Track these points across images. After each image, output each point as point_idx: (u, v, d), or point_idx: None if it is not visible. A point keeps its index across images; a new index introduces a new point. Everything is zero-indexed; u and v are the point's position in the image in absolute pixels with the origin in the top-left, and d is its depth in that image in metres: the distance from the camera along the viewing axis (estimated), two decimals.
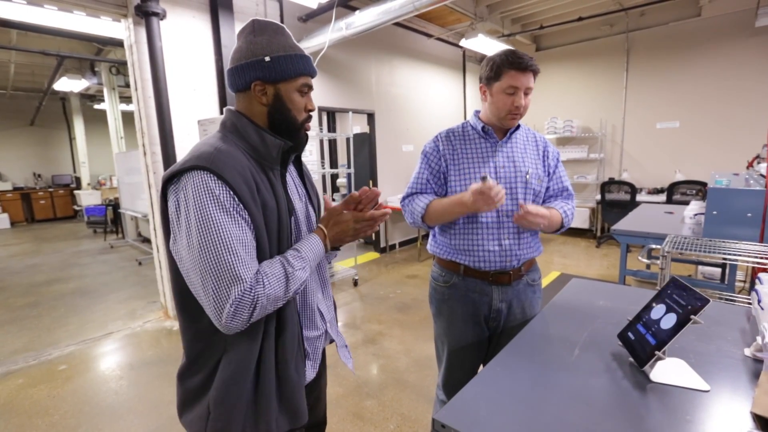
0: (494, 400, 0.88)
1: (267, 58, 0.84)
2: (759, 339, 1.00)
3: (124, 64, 6.48)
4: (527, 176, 1.34)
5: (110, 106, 7.39)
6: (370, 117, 5.28)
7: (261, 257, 0.82)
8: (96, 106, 9.66)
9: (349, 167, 4.21)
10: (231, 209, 0.77)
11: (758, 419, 0.76)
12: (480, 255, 1.33)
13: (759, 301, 1.12)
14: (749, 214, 2.15)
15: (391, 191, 5.58)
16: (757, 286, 1.19)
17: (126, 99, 7.95)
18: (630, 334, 1.04)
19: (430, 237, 1.51)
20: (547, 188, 1.43)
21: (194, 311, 0.83)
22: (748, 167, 3.02)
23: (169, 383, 2.50)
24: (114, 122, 7.45)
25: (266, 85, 0.86)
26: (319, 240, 0.91)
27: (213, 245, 0.74)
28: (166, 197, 0.81)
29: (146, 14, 2.94)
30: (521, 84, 1.24)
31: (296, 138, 0.91)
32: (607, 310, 1.33)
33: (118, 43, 4.16)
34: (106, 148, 9.43)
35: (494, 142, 1.36)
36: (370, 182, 5.43)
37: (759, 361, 0.98)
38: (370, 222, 0.96)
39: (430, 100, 6.20)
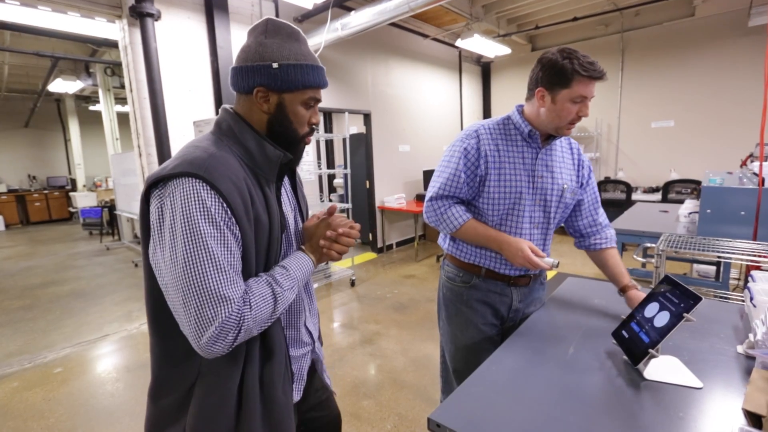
0: (489, 399, 0.88)
1: (275, 65, 0.77)
2: (751, 336, 1.01)
3: (119, 65, 6.43)
4: (563, 190, 1.29)
5: (105, 108, 7.35)
6: (367, 117, 5.28)
7: (247, 275, 0.76)
8: (91, 108, 9.60)
9: (345, 168, 4.21)
10: (222, 223, 0.70)
11: (750, 415, 0.77)
12: (506, 261, 1.28)
13: (751, 299, 1.13)
14: (743, 213, 2.17)
15: (387, 191, 5.58)
16: (750, 284, 1.20)
17: (121, 100, 7.90)
18: (624, 332, 1.05)
19: (446, 236, 1.42)
20: (581, 200, 1.37)
21: (166, 328, 0.76)
22: (741, 166, 3.05)
23: None
24: (109, 123, 7.40)
25: (270, 92, 0.79)
26: (308, 259, 0.86)
27: (200, 262, 0.68)
28: (148, 201, 0.74)
29: (141, 15, 2.93)
30: (590, 93, 1.13)
31: (294, 151, 0.86)
32: (601, 308, 1.34)
33: (113, 44, 4.15)
34: (101, 150, 9.37)
35: (537, 148, 1.26)
36: (367, 182, 5.43)
37: (751, 358, 0.99)
38: (329, 242, 0.88)
39: (427, 100, 6.21)
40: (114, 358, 2.89)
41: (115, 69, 7.07)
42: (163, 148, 3.10)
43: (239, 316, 0.70)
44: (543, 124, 1.21)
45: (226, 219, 0.71)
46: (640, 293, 1.22)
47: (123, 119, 7.36)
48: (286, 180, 0.94)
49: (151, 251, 0.73)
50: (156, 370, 0.81)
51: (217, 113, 3.49)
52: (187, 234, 0.68)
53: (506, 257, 1.22)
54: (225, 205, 0.71)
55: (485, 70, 7.42)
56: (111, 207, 7.21)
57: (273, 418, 0.82)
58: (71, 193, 9.47)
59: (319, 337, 1.08)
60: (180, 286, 0.68)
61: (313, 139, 4.10)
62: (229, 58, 3.51)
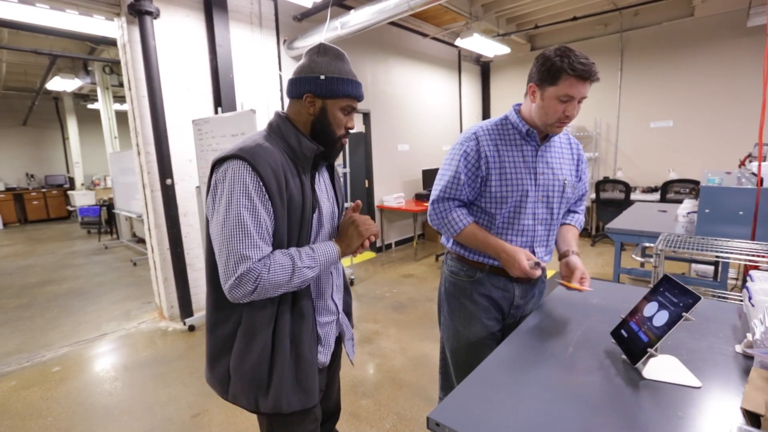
0: (488, 398, 0.88)
1: (322, 77, 0.96)
2: (750, 335, 1.01)
3: (117, 63, 6.42)
4: (565, 185, 1.30)
5: (104, 106, 7.33)
6: (366, 116, 5.27)
7: (278, 244, 0.94)
8: (89, 106, 9.57)
9: (345, 167, 4.21)
10: (256, 198, 0.88)
11: (748, 415, 0.77)
12: None
13: (750, 298, 1.13)
14: (741, 212, 2.17)
15: (386, 191, 5.58)
16: (748, 284, 1.21)
17: (120, 98, 7.88)
18: (623, 331, 1.05)
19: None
20: None
21: (218, 282, 0.94)
22: (740, 166, 3.05)
23: (164, 384, 2.49)
24: (108, 122, 7.39)
25: (316, 98, 0.97)
26: (335, 248, 1.01)
27: (232, 225, 0.87)
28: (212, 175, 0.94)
29: (139, 13, 2.92)
30: (578, 93, 1.13)
31: (330, 147, 1.03)
32: (600, 308, 1.34)
33: (112, 42, 4.13)
34: (100, 148, 9.36)
35: (536, 145, 1.27)
36: (366, 182, 5.43)
37: (750, 358, 0.99)
38: (361, 234, 1.06)
39: (426, 99, 6.21)
40: (112, 357, 2.89)
41: (113, 67, 7.05)
42: (161, 147, 3.09)
43: (257, 273, 0.87)
44: (533, 120, 1.23)
45: (261, 195, 0.89)
46: (575, 258, 1.27)
47: (121, 117, 7.34)
48: (325, 173, 1.11)
49: (209, 214, 0.95)
50: (209, 313, 1.02)
51: (215, 112, 3.50)
52: (228, 202, 0.88)
53: (504, 266, 1.24)
54: (261, 183, 0.89)
55: (484, 69, 7.42)
56: (109, 206, 7.20)
57: (300, 371, 0.99)
58: (69, 192, 9.45)
59: (348, 311, 1.25)
60: (217, 241, 0.90)
61: None
62: (228, 57, 3.50)
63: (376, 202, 5.48)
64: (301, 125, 1.00)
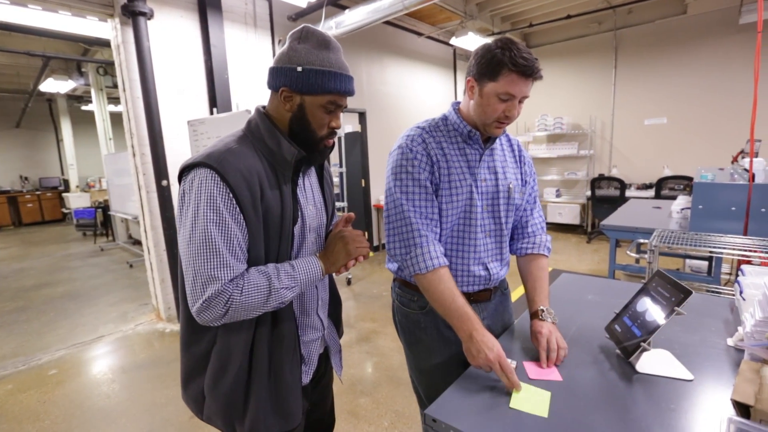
0: (484, 394, 0.89)
1: (299, 68, 0.82)
2: (741, 329, 1.02)
3: (111, 64, 6.39)
4: (509, 190, 1.17)
5: (98, 107, 7.28)
6: (362, 116, 5.28)
7: (255, 260, 0.84)
8: (84, 108, 9.52)
9: (341, 166, 4.21)
10: (225, 211, 0.78)
11: (738, 406, 0.78)
12: (465, 279, 1.15)
13: (741, 292, 1.15)
14: (733, 208, 2.20)
15: (383, 190, 5.56)
16: (739, 278, 1.22)
17: (114, 100, 7.84)
18: (617, 326, 1.06)
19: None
20: None
21: None
22: (732, 162, 3.08)
23: (161, 385, 2.48)
24: (102, 123, 7.34)
25: (293, 93, 0.85)
26: (318, 266, 0.90)
27: (199, 242, 0.78)
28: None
29: (133, 14, 2.91)
30: (520, 92, 0.99)
31: (311, 151, 0.90)
32: (595, 304, 1.35)
33: (105, 44, 4.12)
34: (94, 150, 9.29)
35: (479, 149, 1.13)
36: (362, 181, 5.43)
37: (741, 351, 1.00)
38: (349, 252, 0.95)
39: (421, 98, 6.21)
40: (109, 359, 2.88)
41: (107, 68, 7.00)
42: (157, 148, 3.08)
43: (228, 295, 0.78)
44: (473, 119, 1.09)
45: (231, 208, 0.79)
46: (543, 324, 1.05)
47: (116, 119, 7.29)
48: (313, 175, 1.01)
49: (177, 226, 0.85)
50: (182, 331, 0.93)
51: (210, 112, 3.48)
52: (194, 217, 0.78)
53: (465, 347, 0.99)
54: (232, 195, 0.79)
55: None
56: (105, 207, 7.16)
57: (280, 394, 0.90)
58: (64, 194, 9.38)
59: (337, 321, 1.15)
60: (184, 259, 0.80)
61: None
62: (222, 57, 3.49)
63: (373, 202, 5.49)
64: (280, 123, 0.89)
